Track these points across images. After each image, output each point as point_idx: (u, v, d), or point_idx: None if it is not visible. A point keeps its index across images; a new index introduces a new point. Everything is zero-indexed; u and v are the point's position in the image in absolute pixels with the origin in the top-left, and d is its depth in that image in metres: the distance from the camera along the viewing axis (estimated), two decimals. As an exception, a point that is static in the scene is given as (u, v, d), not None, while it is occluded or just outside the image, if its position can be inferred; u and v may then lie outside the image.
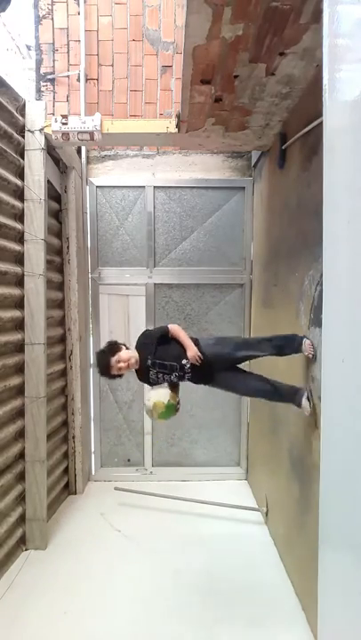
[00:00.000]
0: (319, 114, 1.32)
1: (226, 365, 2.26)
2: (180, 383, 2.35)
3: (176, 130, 2.71)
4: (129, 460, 3.77)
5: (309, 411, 2.05)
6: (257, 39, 1.83)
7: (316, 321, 2.07)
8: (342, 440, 0.95)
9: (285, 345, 2.19)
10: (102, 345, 2.45)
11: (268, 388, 2.24)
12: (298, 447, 2.31)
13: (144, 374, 2.28)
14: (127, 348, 2.29)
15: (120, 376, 2.28)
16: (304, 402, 2.07)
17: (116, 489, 3.34)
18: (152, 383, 2.30)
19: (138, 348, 2.30)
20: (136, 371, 2.32)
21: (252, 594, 2.29)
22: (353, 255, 0.89)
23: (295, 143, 2.42)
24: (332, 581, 1.04)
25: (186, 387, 3.69)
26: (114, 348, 2.25)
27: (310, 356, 2.07)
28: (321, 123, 1.11)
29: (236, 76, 2.13)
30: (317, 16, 1.66)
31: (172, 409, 2.20)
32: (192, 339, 2.26)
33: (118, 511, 3.17)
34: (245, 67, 2.04)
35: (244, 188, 3.57)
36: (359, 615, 0.87)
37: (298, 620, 2.09)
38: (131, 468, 3.75)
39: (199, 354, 2.16)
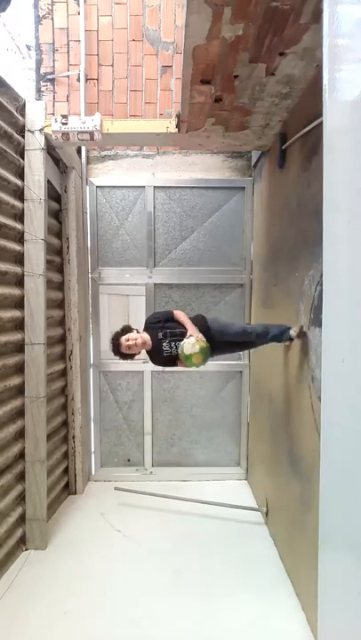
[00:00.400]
0: (319, 114, 1.33)
1: (226, 337, 2.46)
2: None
3: (176, 130, 2.71)
4: (129, 460, 3.77)
5: (296, 331, 2.32)
6: (257, 39, 1.84)
7: (316, 321, 2.07)
8: (342, 440, 0.95)
9: (276, 335, 2.43)
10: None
11: (259, 341, 2.53)
12: (298, 447, 2.31)
13: (157, 349, 2.41)
14: (138, 332, 2.45)
15: (131, 357, 2.45)
16: (292, 333, 2.36)
17: (116, 489, 3.34)
18: (165, 358, 2.42)
19: (147, 328, 2.48)
20: (148, 353, 2.47)
21: (253, 594, 2.29)
22: (353, 255, 0.89)
23: (295, 143, 2.42)
24: (332, 581, 1.04)
25: (186, 387, 3.69)
26: (126, 329, 2.44)
27: (294, 335, 2.33)
28: (321, 123, 1.11)
29: (236, 76, 2.13)
30: (317, 16, 1.66)
31: (208, 350, 2.31)
32: (199, 315, 2.52)
33: (118, 511, 3.17)
34: (245, 67, 2.04)
35: (244, 188, 3.57)
36: (359, 615, 0.87)
37: (298, 620, 2.09)
38: (131, 467, 3.75)
39: (200, 335, 2.36)
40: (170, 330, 2.40)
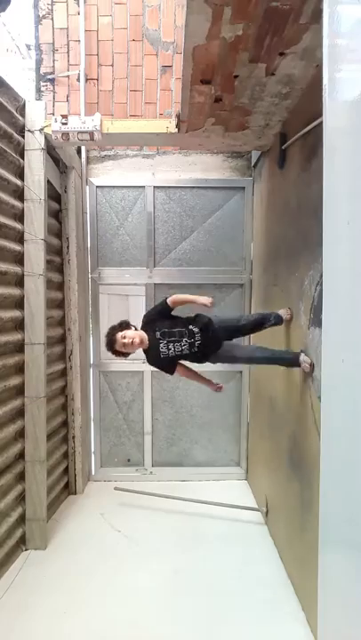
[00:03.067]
0: (319, 114, 1.33)
1: (228, 334, 2.37)
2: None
3: (176, 130, 2.71)
4: (129, 460, 3.77)
5: (309, 362, 2.11)
6: (257, 39, 1.83)
7: (316, 321, 2.07)
8: (342, 440, 0.95)
9: (265, 319, 2.41)
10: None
11: (268, 354, 2.40)
12: (298, 447, 2.31)
13: (154, 349, 2.28)
14: (136, 330, 2.33)
15: (125, 355, 2.31)
16: (302, 358, 2.18)
17: (116, 489, 3.34)
18: (162, 360, 2.30)
19: (144, 327, 2.35)
20: (145, 352, 2.34)
21: (252, 594, 2.29)
22: (353, 255, 0.89)
23: (295, 143, 2.42)
24: (332, 581, 1.04)
25: (186, 387, 3.69)
26: (123, 325, 2.31)
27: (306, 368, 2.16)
28: (321, 123, 1.11)
29: (236, 76, 2.13)
30: (317, 16, 1.66)
31: None
32: (198, 301, 2.36)
33: (118, 511, 3.17)
34: (245, 67, 2.04)
35: (244, 188, 3.57)
36: (359, 615, 0.87)
37: (298, 619, 2.09)
38: (131, 467, 3.75)
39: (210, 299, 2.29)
40: (167, 329, 2.26)
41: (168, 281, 3.60)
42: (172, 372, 2.41)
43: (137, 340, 2.22)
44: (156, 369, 2.45)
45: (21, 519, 2.66)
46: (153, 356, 2.32)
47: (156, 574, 2.46)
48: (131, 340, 2.21)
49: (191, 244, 3.61)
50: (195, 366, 2.47)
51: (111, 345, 2.26)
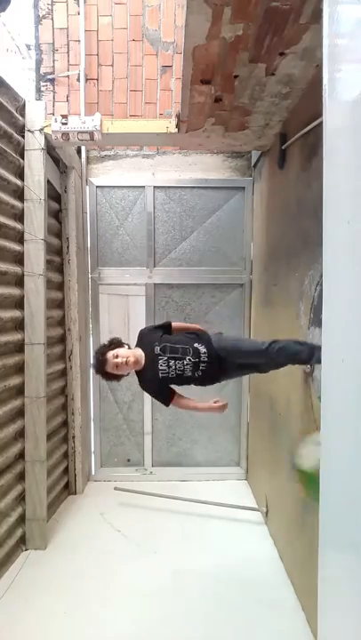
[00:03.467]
0: (319, 114, 1.33)
1: (236, 353, 2.06)
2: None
3: (176, 130, 2.71)
4: (129, 460, 3.77)
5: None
6: (257, 39, 1.83)
7: (316, 321, 2.07)
8: (342, 440, 0.95)
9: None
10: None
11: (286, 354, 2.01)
12: (298, 447, 2.31)
13: (151, 369, 1.97)
14: (130, 349, 2.07)
15: (117, 378, 2.03)
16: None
17: (115, 489, 3.34)
18: (160, 381, 1.98)
19: (139, 343, 2.07)
20: (138, 374, 2.06)
21: (252, 594, 2.29)
22: (353, 255, 0.89)
23: (295, 143, 2.42)
24: (332, 581, 1.04)
25: (185, 387, 3.69)
26: (114, 343, 2.03)
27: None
28: (321, 123, 1.11)
29: (236, 76, 2.13)
30: (317, 16, 1.66)
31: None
32: (199, 329, 2.22)
33: (118, 511, 3.17)
34: (245, 67, 2.04)
35: (244, 188, 3.57)
36: (359, 615, 0.87)
37: (298, 619, 2.09)
38: (131, 467, 3.75)
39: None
40: (170, 344, 1.96)
41: (168, 281, 3.61)
42: (167, 402, 2.04)
43: (132, 360, 1.94)
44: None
45: (21, 519, 2.66)
46: (149, 377, 2.00)
47: (155, 574, 2.45)
48: (125, 360, 1.93)
49: (191, 243, 3.61)
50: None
51: (101, 366, 1.96)
